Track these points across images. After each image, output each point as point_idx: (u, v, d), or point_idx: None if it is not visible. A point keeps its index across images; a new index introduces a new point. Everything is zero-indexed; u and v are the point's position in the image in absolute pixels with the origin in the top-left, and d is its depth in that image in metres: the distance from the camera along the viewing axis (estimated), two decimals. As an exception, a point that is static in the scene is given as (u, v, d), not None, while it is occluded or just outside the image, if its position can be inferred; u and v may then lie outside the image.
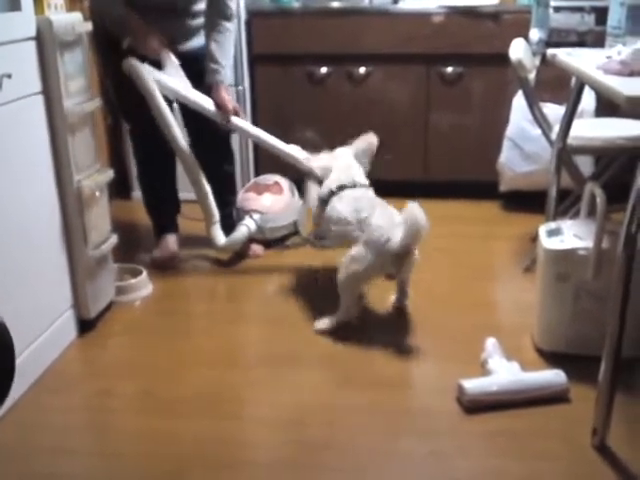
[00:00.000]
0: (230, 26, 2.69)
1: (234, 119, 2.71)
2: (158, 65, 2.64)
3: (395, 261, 2.27)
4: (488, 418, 1.90)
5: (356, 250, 2.29)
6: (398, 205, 2.26)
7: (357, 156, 2.60)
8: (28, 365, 2.06)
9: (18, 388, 1.98)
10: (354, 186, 2.45)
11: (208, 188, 2.81)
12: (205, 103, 2.68)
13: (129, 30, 2.60)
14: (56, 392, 2.08)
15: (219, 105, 2.67)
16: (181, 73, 2.67)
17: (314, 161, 2.62)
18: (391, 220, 2.28)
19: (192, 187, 2.82)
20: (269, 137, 2.83)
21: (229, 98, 2.69)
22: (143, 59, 2.62)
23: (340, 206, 2.40)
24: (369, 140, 2.65)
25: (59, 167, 2.22)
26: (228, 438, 1.87)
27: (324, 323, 2.38)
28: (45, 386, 2.10)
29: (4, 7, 1.97)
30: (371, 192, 2.48)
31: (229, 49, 2.70)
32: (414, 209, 2.16)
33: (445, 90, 3.49)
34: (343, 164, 2.55)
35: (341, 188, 2.44)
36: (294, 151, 2.79)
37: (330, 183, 2.48)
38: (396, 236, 2.21)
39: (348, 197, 2.41)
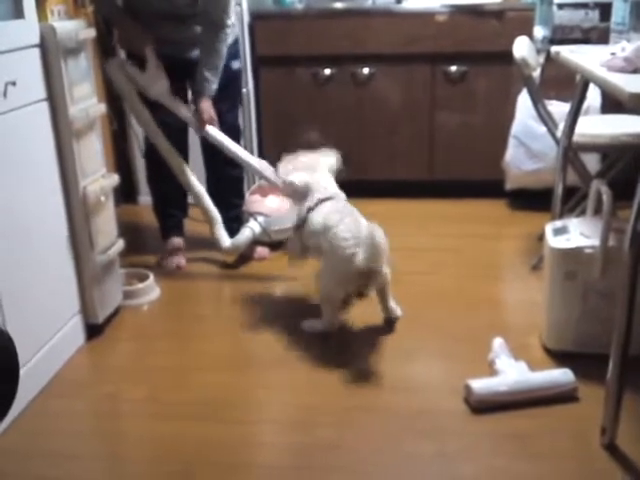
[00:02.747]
0: (222, 34, 2.66)
1: (208, 128, 2.73)
2: (141, 64, 2.66)
3: (363, 278, 2.24)
4: (496, 418, 1.89)
5: (324, 264, 2.30)
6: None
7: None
8: (36, 371, 2.06)
9: (26, 393, 1.99)
10: (330, 198, 2.40)
11: (202, 189, 2.83)
12: (183, 110, 2.72)
13: (117, 24, 2.66)
14: (64, 397, 2.09)
15: (199, 113, 2.69)
16: (162, 75, 2.67)
17: (293, 176, 2.49)
18: (358, 235, 2.21)
19: (187, 189, 2.84)
20: (241, 151, 2.84)
21: (208, 109, 2.70)
22: (128, 57, 2.65)
23: (315, 219, 2.36)
24: (333, 157, 2.58)
25: (65, 173, 2.23)
26: (235, 441, 1.87)
27: (310, 326, 2.40)
28: (53, 391, 2.11)
29: (7, 15, 1.98)
30: (348, 204, 2.42)
31: (218, 62, 2.68)
32: (372, 229, 2.13)
33: (450, 89, 3.48)
34: (317, 178, 2.48)
35: (319, 202, 2.39)
36: (263, 167, 2.82)
37: (307, 203, 2.42)
38: (359, 254, 2.17)
39: (321, 210, 2.37)
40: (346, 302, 2.47)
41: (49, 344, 2.15)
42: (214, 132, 2.76)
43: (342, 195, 2.47)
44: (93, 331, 2.40)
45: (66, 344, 2.27)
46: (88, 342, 2.38)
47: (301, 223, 2.44)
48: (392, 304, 2.43)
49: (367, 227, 2.18)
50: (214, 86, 2.70)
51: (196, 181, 2.83)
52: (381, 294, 2.41)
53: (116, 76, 2.69)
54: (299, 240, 2.47)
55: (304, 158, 2.54)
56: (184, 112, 2.73)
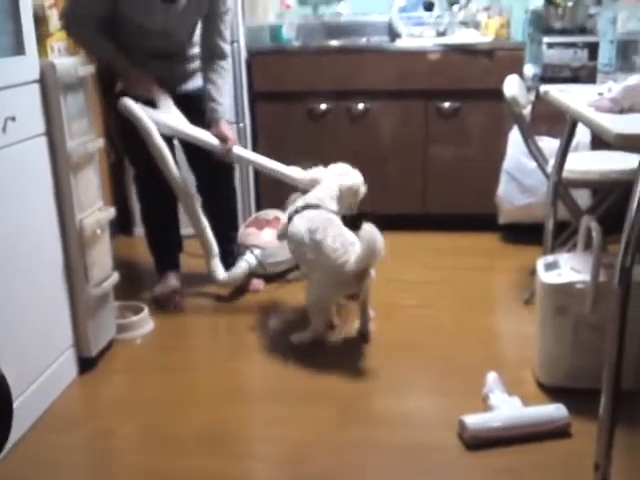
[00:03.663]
0: (225, 64, 2.78)
1: (235, 149, 2.78)
2: (152, 105, 2.68)
3: (354, 281, 2.34)
4: (490, 454, 1.90)
5: (315, 275, 2.41)
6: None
7: (341, 191, 2.66)
8: (29, 403, 2.06)
9: (19, 426, 1.98)
10: (317, 207, 2.52)
11: (206, 223, 2.85)
12: (204, 136, 2.74)
13: (120, 73, 2.66)
14: (57, 431, 2.08)
15: (220, 137, 2.73)
16: (175, 110, 2.72)
17: (308, 173, 2.74)
18: (345, 241, 2.34)
19: (190, 222, 2.85)
20: (270, 162, 2.89)
21: (227, 131, 2.75)
22: (136, 100, 2.65)
23: (297, 222, 2.50)
24: (355, 181, 2.71)
25: (61, 206, 2.25)
26: (231, 476, 1.86)
27: (299, 338, 2.49)
28: (46, 425, 2.10)
29: (9, 52, 2.02)
30: (331, 215, 2.52)
31: (224, 86, 2.79)
32: (371, 230, 2.21)
33: (443, 125, 3.54)
34: (323, 185, 2.64)
35: (305, 207, 2.53)
36: (295, 173, 2.86)
37: (298, 203, 2.60)
38: (350, 257, 2.28)
39: (306, 216, 2.50)
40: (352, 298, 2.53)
41: (42, 377, 2.15)
42: (240, 151, 2.83)
43: (331, 208, 2.56)
44: (86, 364, 2.40)
45: (59, 377, 2.26)
46: (81, 375, 2.37)
47: (289, 217, 2.59)
48: (370, 313, 2.53)
49: (363, 230, 2.24)
50: (226, 109, 2.80)
51: (202, 215, 2.84)
52: (363, 303, 2.49)
53: (132, 112, 2.62)
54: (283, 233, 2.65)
55: (336, 170, 2.73)
56: (207, 140, 2.74)
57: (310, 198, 2.59)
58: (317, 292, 2.43)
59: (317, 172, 2.72)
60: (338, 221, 2.49)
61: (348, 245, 2.32)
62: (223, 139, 2.73)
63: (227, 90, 2.82)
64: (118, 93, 2.67)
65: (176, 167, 2.75)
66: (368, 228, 2.22)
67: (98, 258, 2.39)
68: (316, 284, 2.42)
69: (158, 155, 2.69)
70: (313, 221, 2.46)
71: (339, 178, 2.68)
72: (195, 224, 2.84)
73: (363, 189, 2.74)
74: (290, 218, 2.58)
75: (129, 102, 2.62)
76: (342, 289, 2.43)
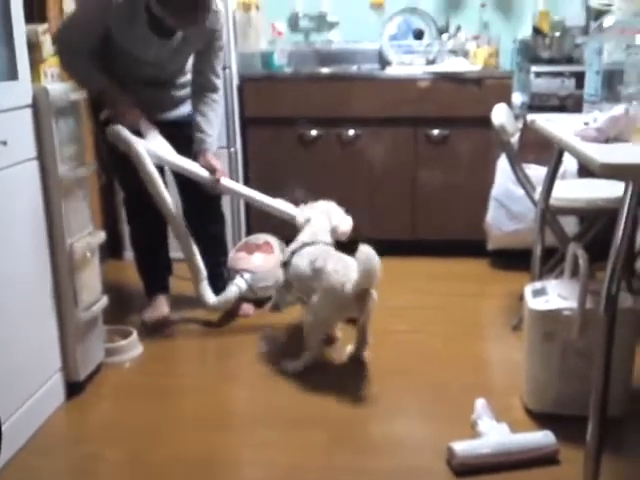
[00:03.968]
0: (216, 97, 2.80)
1: (223, 180, 2.78)
2: (138, 135, 2.68)
3: (355, 304, 2.36)
4: (478, 480, 1.90)
5: (316, 298, 2.41)
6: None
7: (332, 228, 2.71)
8: (16, 428, 2.04)
9: (6, 451, 1.96)
10: (313, 243, 2.57)
11: (195, 247, 2.84)
12: (192, 167, 2.75)
13: (108, 102, 2.66)
14: (44, 456, 2.07)
15: (207, 168, 2.74)
16: (162, 140, 2.73)
17: (299, 212, 2.77)
18: (346, 265, 2.37)
19: (179, 246, 2.85)
20: (258, 195, 2.91)
21: (215, 163, 2.76)
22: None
23: (298, 261, 2.53)
24: (346, 225, 2.75)
25: (52, 230, 2.25)
26: (216, 503, 1.86)
27: (295, 365, 2.48)
28: (33, 450, 2.08)
29: (2, 77, 2.03)
30: (329, 248, 2.58)
31: (214, 119, 2.80)
32: (366, 251, 2.25)
33: (432, 152, 3.58)
34: (315, 223, 2.68)
35: (302, 247, 2.57)
36: (282, 205, 2.89)
37: (293, 245, 2.63)
38: (352, 278, 2.31)
39: (304, 253, 2.54)
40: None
41: (30, 401, 2.14)
42: (228, 183, 2.83)
43: (327, 240, 2.62)
44: (74, 389, 2.38)
45: (47, 401, 2.25)
46: (69, 400, 2.36)
47: (286, 261, 2.62)
48: (368, 338, 2.53)
49: (359, 251, 2.28)
50: (216, 141, 2.81)
51: (192, 242, 2.84)
52: (363, 327, 2.50)
53: (121, 139, 2.64)
54: (284, 278, 2.67)
55: (322, 206, 2.76)
56: (195, 171, 2.75)
57: (305, 237, 2.63)
58: (317, 315, 2.43)
59: (308, 211, 2.74)
60: (338, 253, 2.52)
61: (349, 267, 2.35)
62: (211, 170, 2.75)
63: (217, 123, 2.83)
64: (104, 121, 2.69)
65: (166, 191, 2.76)
66: (364, 249, 2.26)
67: (88, 282, 2.39)
68: (316, 307, 2.42)
69: (149, 180, 2.69)
70: (312, 254, 2.50)
71: (328, 215, 2.73)
72: (184, 248, 2.84)
73: (349, 226, 2.76)
74: (286, 262, 2.61)
75: (119, 128, 2.63)
76: (342, 311, 2.44)
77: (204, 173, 2.75)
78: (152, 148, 2.69)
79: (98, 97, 2.66)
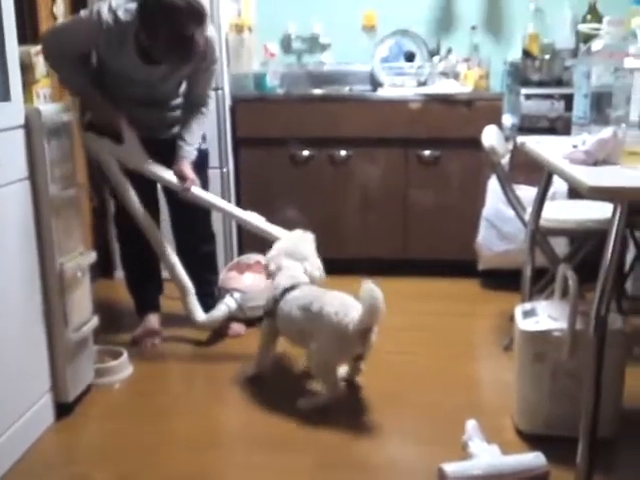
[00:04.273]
0: (204, 109, 2.81)
1: (193, 189, 2.78)
2: (118, 138, 2.71)
3: (359, 341, 2.31)
4: (468, 502, 1.89)
5: (319, 341, 2.32)
6: (379, 283, 2.29)
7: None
8: (4, 450, 2.03)
9: (-6, 473, 1.95)
10: (294, 287, 2.48)
11: (176, 259, 2.85)
12: (164, 174, 2.76)
13: (89, 105, 2.72)
14: (33, 477, 2.05)
15: (178, 176, 2.75)
16: (139, 147, 2.74)
17: (271, 256, 2.64)
18: (344, 303, 2.32)
19: (160, 258, 2.86)
20: (228, 206, 2.93)
21: (189, 170, 2.76)
22: (103, 132, 2.70)
23: (285, 309, 2.44)
24: (318, 272, 2.64)
25: (42, 250, 2.25)
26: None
27: (309, 402, 2.39)
28: (21, 471, 2.07)
29: (-5, 98, 2.05)
30: (315, 287, 2.51)
31: (197, 130, 2.81)
32: (371, 288, 2.20)
33: (423, 172, 3.60)
34: (289, 268, 2.57)
35: (284, 293, 2.47)
36: (253, 219, 2.88)
37: (273, 292, 2.52)
38: (354, 317, 2.25)
39: (292, 298, 2.44)
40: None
41: (18, 422, 2.12)
42: (198, 192, 2.82)
43: (306, 280, 2.54)
44: (63, 410, 2.37)
45: (36, 422, 2.24)
46: (58, 421, 2.34)
47: (270, 311, 2.53)
48: (362, 366, 2.49)
49: (363, 288, 2.22)
50: (195, 151, 2.80)
51: (171, 251, 2.85)
52: (361, 356, 2.45)
53: (95, 148, 2.72)
54: (270, 325, 2.56)
55: (286, 244, 2.65)
56: (166, 178, 2.77)
57: (283, 281, 2.52)
58: (322, 358, 2.35)
59: (277, 257, 2.62)
60: (324, 290, 2.45)
61: (347, 306, 2.30)
62: (182, 178, 2.75)
63: (200, 134, 2.83)
64: (87, 124, 2.73)
65: (136, 199, 2.77)
66: (368, 286, 2.20)
67: (78, 302, 2.39)
68: (319, 351, 2.34)
69: (116, 187, 2.75)
70: (301, 299, 2.41)
71: (299, 258, 2.62)
72: (164, 260, 2.85)
73: (321, 271, 2.65)
74: (270, 312, 2.53)
75: (91, 136, 2.71)
76: (348, 350, 2.36)
77: (174, 180, 2.77)
78: (124, 153, 2.72)
79: (80, 99, 2.71)
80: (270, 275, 2.62)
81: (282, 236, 2.79)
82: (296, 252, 2.62)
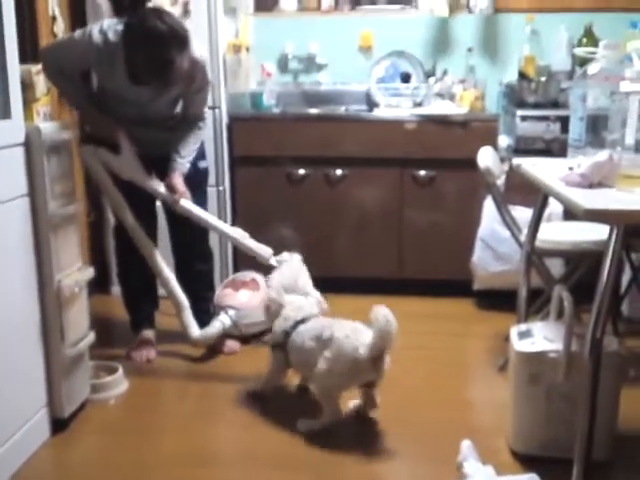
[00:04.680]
0: (200, 124, 2.85)
1: (183, 202, 2.80)
2: (115, 148, 2.74)
3: (370, 367, 2.27)
4: (464, 523, 1.89)
5: (328, 363, 2.29)
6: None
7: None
8: (0, 464, 2.02)
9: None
10: (305, 320, 2.47)
11: (171, 274, 2.86)
12: (156, 185, 2.79)
13: (86, 117, 2.78)
14: (26, 496, 2.04)
15: (169, 188, 2.78)
16: (135, 158, 2.76)
17: (270, 290, 2.61)
18: (354, 328, 2.31)
19: (154, 272, 2.87)
20: (217, 222, 2.95)
21: (180, 182, 2.78)
22: (100, 143, 2.73)
23: (299, 341, 2.41)
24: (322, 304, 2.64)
25: (40, 266, 2.25)
26: None
27: (309, 424, 2.37)
28: (15, 489, 2.06)
29: (-4, 115, 2.06)
30: (322, 318, 2.51)
31: (192, 143, 2.83)
32: (384, 312, 2.19)
33: (418, 192, 3.62)
34: (295, 301, 2.56)
35: (295, 326, 2.45)
36: (240, 235, 2.91)
37: (282, 324, 2.50)
38: (365, 341, 2.23)
39: (303, 330, 2.42)
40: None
41: (13, 438, 2.12)
42: (188, 205, 2.83)
43: (315, 312, 2.54)
44: (58, 425, 2.36)
45: (31, 438, 2.23)
46: (53, 436, 2.34)
47: (280, 344, 2.49)
48: (378, 398, 2.44)
49: (375, 312, 2.21)
50: (187, 164, 2.82)
51: (165, 266, 2.86)
52: (374, 386, 2.40)
53: (90, 162, 2.75)
54: (280, 358, 2.52)
55: (284, 280, 2.62)
56: (158, 190, 2.80)
57: (294, 313, 2.50)
58: (328, 381, 2.32)
59: (276, 292, 2.57)
60: (333, 319, 2.44)
61: (358, 330, 2.29)
62: (172, 190, 2.77)
63: (194, 147, 2.85)
64: (85, 137, 2.78)
65: (132, 215, 2.79)
66: (381, 311, 2.20)
67: (75, 318, 2.39)
68: (326, 373, 2.30)
69: (111, 202, 2.80)
70: (313, 329, 2.40)
71: (302, 291, 2.62)
72: (158, 275, 2.87)
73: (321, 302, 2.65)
74: (280, 344, 2.49)
75: (87, 150, 2.74)
76: (358, 376, 2.31)
77: (165, 193, 2.80)
78: (119, 164, 2.75)
79: (78, 112, 2.78)
80: (273, 315, 2.55)
81: (266, 255, 2.84)
82: (297, 288, 2.62)
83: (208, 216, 2.92)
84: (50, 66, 2.53)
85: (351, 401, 2.46)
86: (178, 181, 2.77)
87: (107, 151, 2.74)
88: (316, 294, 2.66)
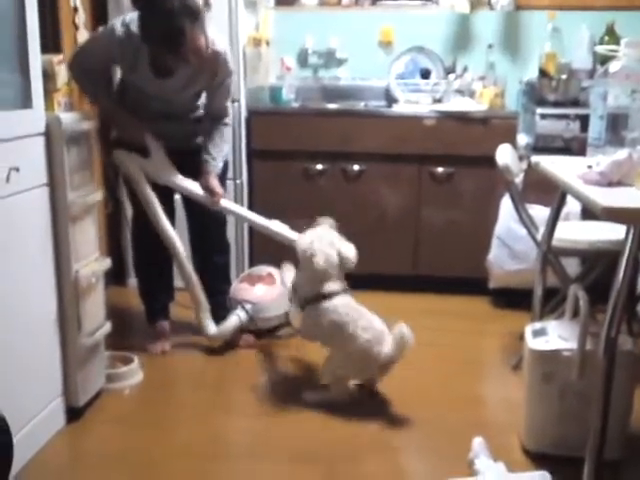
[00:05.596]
0: (226, 120, 2.87)
1: (222, 201, 2.84)
2: (145, 152, 2.76)
3: (379, 371, 2.48)
4: (474, 520, 1.89)
5: (344, 355, 2.46)
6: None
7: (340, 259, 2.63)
8: (15, 451, 2.03)
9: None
10: (338, 293, 2.52)
11: (196, 278, 2.89)
12: (192, 187, 2.81)
13: (114, 120, 2.78)
14: (40, 481, 2.07)
15: (207, 190, 2.80)
16: (166, 160, 2.79)
17: (298, 242, 2.62)
18: (375, 332, 2.44)
19: (180, 276, 2.90)
20: (256, 217, 2.97)
21: (216, 184, 2.81)
22: (130, 147, 2.75)
23: (330, 313, 2.48)
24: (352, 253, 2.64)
25: (59, 256, 2.28)
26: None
27: (315, 396, 2.51)
28: (31, 475, 2.08)
29: (17, 105, 2.09)
30: (357, 305, 2.54)
31: (221, 142, 2.85)
32: (404, 331, 2.36)
33: (436, 189, 3.61)
34: (333, 261, 2.57)
35: (329, 296, 2.50)
36: (279, 228, 2.92)
37: (313, 285, 2.53)
38: (383, 349, 2.40)
39: (334, 305, 2.49)
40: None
41: (29, 425, 2.14)
42: (226, 204, 2.89)
43: (339, 289, 2.56)
44: (73, 414, 2.39)
45: (46, 427, 2.26)
46: (68, 425, 2.36)
47: (311, 302, 2.53)
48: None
49: (396, 329, 2.39)
50: (220, 164, 2.86)
51: (191, 268, 2.89)
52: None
53: (125, 164, 2.77)
54: (311, 317, 2.55)
55: (325, 234, 2.64)
56: (195, 192, 2.82)
57: (335, 282, 2.54)
58: (337, 370, 2.50)
59: (309, 241, 2.60)
60: (364, 310, 2.52)
61: (379, 335, 2.44)
62: (210, 192, 2.80)
63: (224, 145, 2.88)
64: (114, 141, 2.79)
65: (166, 219, 2.82)
66: (402, 329, 2.37)
67: (91, 308, 2.41)
68: (339, 362, 2.49)
69: (145, 203, 2.79)
70: (342, 315, 2.47)
71: (333, 246, 2.61)
72: (185, 279, 2.89)
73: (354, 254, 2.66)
74: (310, 302, 2.54)
75: (121, 153, 2.75)
76: (366, 374, 2.53)
77: (203, 195, 2.82)
78: (153, 168, 2.77)
79: (106, 116, 2.76)
80: (309, 259, 2.54)
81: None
82: (330, 239, 2.63)
83: (248, 213, 2.97)
84: (75, 71, 2.59)
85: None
86: (215, 183, 2.81)
87: (139, 157, 2.76)
88: (348, 244, 2.65)
